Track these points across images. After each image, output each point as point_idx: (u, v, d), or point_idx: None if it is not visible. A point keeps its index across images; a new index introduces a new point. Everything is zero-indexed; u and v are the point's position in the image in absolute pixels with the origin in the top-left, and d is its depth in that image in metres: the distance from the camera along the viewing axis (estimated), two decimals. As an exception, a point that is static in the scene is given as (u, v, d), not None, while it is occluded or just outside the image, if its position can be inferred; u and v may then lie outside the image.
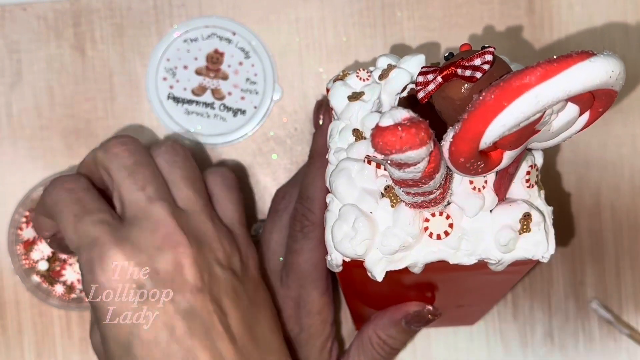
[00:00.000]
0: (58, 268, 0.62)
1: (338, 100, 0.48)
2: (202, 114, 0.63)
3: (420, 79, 0.39)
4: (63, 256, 0.62)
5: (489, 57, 0.38)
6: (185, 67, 0.63)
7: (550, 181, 0.64)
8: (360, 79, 0.48)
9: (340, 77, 0.49)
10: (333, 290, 0.59)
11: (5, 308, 0.64)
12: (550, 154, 0.64)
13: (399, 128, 0.34)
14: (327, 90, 0.49)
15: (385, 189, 0.44)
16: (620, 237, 0.64)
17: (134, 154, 0.52)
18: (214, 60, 0.63)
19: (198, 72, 0.63)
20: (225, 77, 0.63)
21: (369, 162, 0.44)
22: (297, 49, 0.64)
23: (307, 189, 0.55)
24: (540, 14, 0.64)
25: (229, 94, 0.63)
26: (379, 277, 0.44)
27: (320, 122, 0.56)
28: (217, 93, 0.63)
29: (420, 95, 0.39)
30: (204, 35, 0.63)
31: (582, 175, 0.64)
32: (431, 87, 0.39)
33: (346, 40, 0.64)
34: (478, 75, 0.38)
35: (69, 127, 0.64)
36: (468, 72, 0.38)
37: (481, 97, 0.35)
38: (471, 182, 0.43)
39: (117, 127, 0.64)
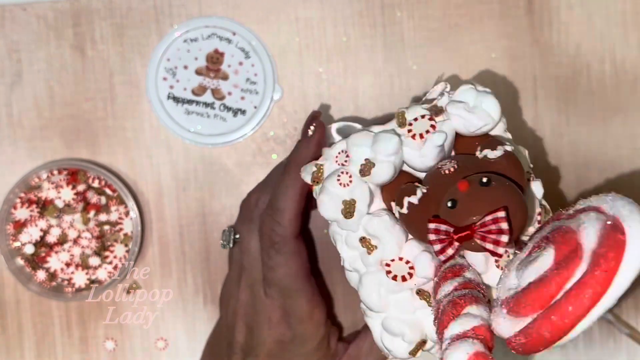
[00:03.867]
0: (43, 254, 0.62)
1: (331, 212, 0.48)
2: (202, 114, 0.63)
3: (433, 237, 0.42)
4: (50, 243, 0.62)
5: (504, 226, 0.40)
6: (186, 67, 0.63)
7: (550, 182, 0.64)
8: (342, 184, 0.48)
9: (316, 179, 0.49)
10: (323, 286, 0.59)
11: (5, 308, 0.64)
12: (551, 155, 0.64)
13: None
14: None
15: (418, 292, 0.47)
16: (620, 237, 0.64)
17: None
18: (214, 60, 0.63)
19: (198, 72, 0.63)
20: (225, 77, 0.63)
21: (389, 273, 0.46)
22: (297, 49, 0.64)
23: (278, 200, 0.54)
24: (539, 14, 0.64)
25: (229, 94, 0.63)
26: None
27: (310, 133, 0.55)
28: (217, 93, 0.63)
29: (442, 258, 0.43)
30: (204, 35, 0.63)
31: (582, 176, 0.64)
32: (450, 252, 0.42)
33: (346, 40, 0.64)
34: (501, 251, 0.41)
35: (69, 127, 0.64)
36: (490, 246, 0.40)
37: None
38: None
39: (117, 127, 0.64)
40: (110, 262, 0.62)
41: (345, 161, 0.48)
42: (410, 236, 0.47)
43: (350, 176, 0.47)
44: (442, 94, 0.49)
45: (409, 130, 0.47)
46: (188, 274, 0.64)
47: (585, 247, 0.37)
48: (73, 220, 0.62)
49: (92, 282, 0.62)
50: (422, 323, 0.47)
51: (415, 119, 0.47)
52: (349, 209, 0.47)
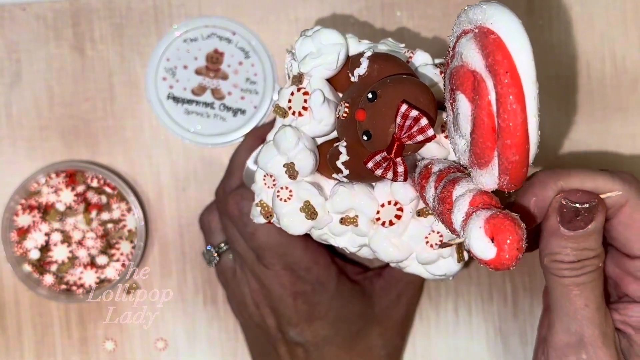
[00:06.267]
0: (49, 259, 0.62)
1: (301, 226, 0.48)
2: (202, 114, 0.63)
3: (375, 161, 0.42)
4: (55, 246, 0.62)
5: (414, 113, 0.40)
6: (185, 67, 0.63)
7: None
8: (286, 199, 0.48)
9: (267, 214, 0.49)
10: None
11: (5, 308, 0.64)
12: (551, 154, 0.64)
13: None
14: None
15: (418, 214, 0.48)
16: (620, 237, 0.64)
17: None
18: (214, 60, 0.63)
19: (198, 72, 0.63)
20: (225, 77, 0.63)
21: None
22: (297, 49, 0.64)
23: (232, 177, 0.57)
24: (539, 14, 0.64)
25: (229, 93, 0.63)
26: None
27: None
28: (217, 93, 0.63)
29: (400, 179, 0.42)
30: (204, 35, 0.63)
31: (582, 175, 0.64)
32: (401, 169, 0.41)
33: (346, 40, 0.64)
34: (432, 133, 0.40)
35: (68, 127, 0.63)
36: (421, 137, 0.40)
37: None
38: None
39: (117, 127, 0.64)
40: (118, 260, 0.62)
41: (274, 181, 0.48)
42: (373, 184, 0.48)
43: (287, 188, 0.48)
44: (291, 62, 0.49)
45: (293, 113, 0.48)
46: (188, 274, 0.64)
47: (479, 69, 0.38)
48: (76, 222, 0.62)
49: (102, 281, 0.63)
50: (443, 233, 0.48)
51: (290, 100, 0.48)
52: (309, 211, 0.47)
